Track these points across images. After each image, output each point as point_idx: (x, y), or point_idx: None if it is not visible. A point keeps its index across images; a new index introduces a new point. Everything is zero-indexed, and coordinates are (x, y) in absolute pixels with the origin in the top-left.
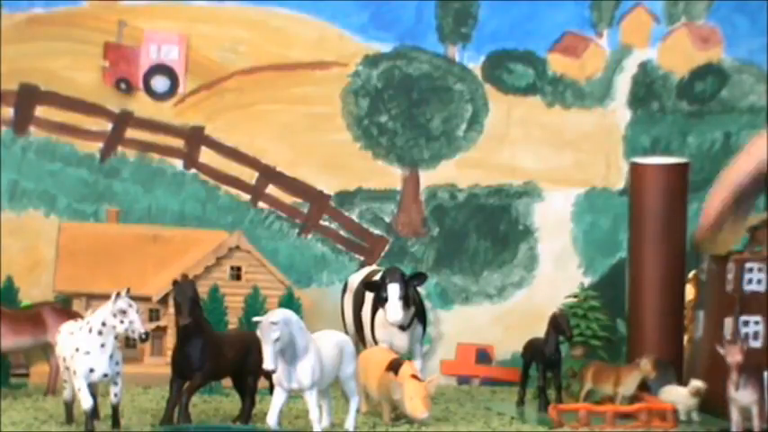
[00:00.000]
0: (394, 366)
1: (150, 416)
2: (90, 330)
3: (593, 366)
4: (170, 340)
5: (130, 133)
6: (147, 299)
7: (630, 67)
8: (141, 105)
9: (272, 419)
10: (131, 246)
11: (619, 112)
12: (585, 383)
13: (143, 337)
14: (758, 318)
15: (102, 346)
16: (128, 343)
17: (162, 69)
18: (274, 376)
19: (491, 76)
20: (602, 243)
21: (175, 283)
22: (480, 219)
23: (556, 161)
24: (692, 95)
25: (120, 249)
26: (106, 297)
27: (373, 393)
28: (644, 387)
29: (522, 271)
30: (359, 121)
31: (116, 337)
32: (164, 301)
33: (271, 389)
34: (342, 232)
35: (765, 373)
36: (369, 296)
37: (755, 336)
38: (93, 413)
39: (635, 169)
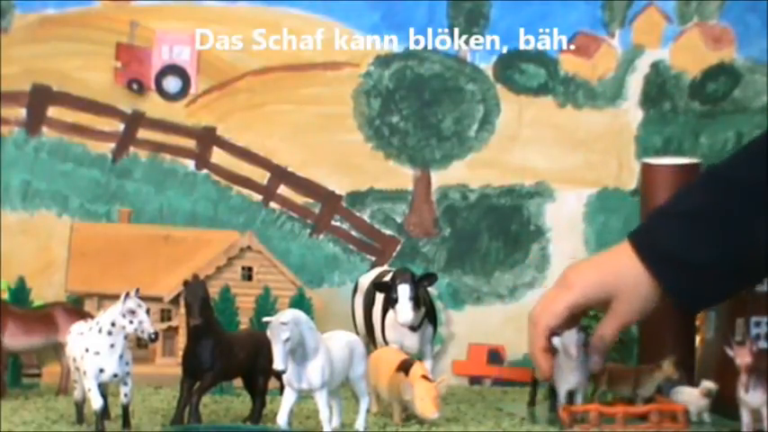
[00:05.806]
0: (404, 367)
1: (161, 416)
2: (99, 331)
3: (608, 368)
4: (181, 340)
5: (142, 134)
6: (158, 299)
7: (642, 67)
8: (153, 106)
9: (282, 419)
10: (143, 246)
11: (631, 112)
12: (600, 386)
13: (152, 337)
14: None
15: (112, 346)
16: (139, 343)
17: (174, 70)
18: (284, 376)
19: (503, 77)
20: (613, 243)
21: (186, 283)
22: (492, 219)
23: (568, 161)
24: (705, 95)
25: (132, 249)
26: (118, 297)
27: (384, 394)
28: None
29: (533, 271)
30: (370, 122)
31: (126, 338)
32: (175, 301)
33: (281, 389)
34: (353, 232)
35: None
36: (379, 297)
37: (766, 337)
38: (104, 413)
39: (646, 169)
